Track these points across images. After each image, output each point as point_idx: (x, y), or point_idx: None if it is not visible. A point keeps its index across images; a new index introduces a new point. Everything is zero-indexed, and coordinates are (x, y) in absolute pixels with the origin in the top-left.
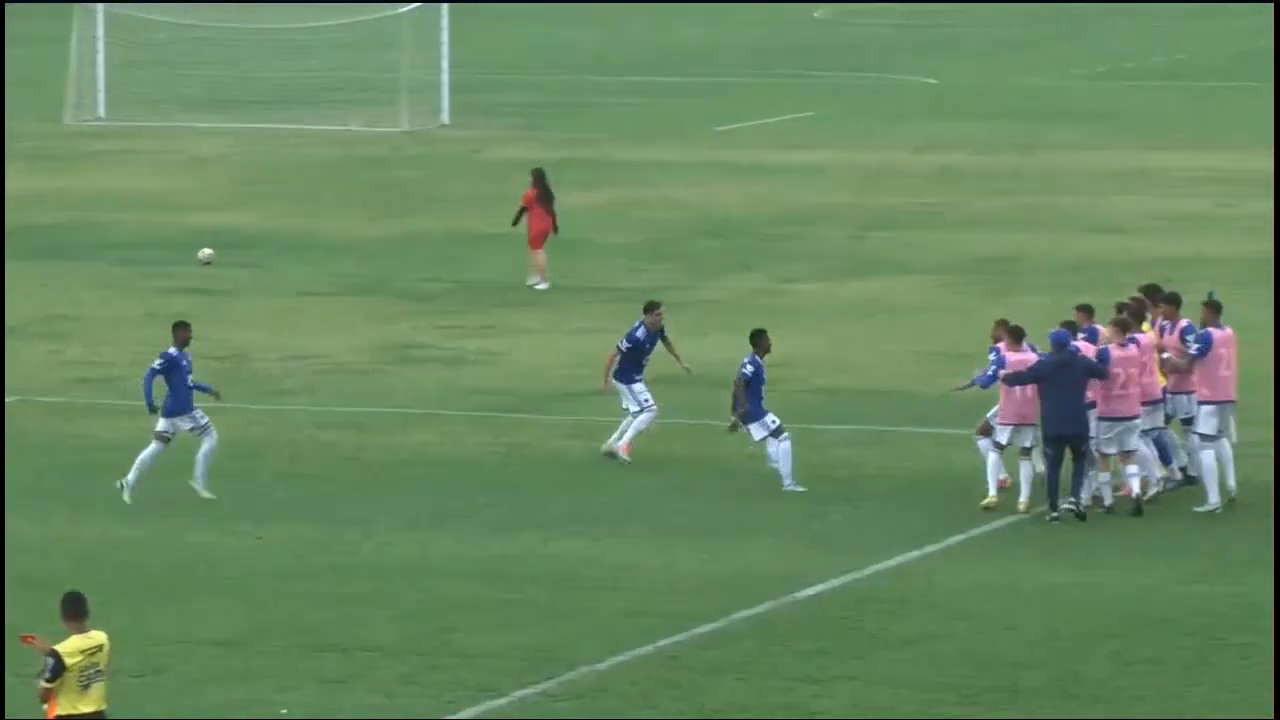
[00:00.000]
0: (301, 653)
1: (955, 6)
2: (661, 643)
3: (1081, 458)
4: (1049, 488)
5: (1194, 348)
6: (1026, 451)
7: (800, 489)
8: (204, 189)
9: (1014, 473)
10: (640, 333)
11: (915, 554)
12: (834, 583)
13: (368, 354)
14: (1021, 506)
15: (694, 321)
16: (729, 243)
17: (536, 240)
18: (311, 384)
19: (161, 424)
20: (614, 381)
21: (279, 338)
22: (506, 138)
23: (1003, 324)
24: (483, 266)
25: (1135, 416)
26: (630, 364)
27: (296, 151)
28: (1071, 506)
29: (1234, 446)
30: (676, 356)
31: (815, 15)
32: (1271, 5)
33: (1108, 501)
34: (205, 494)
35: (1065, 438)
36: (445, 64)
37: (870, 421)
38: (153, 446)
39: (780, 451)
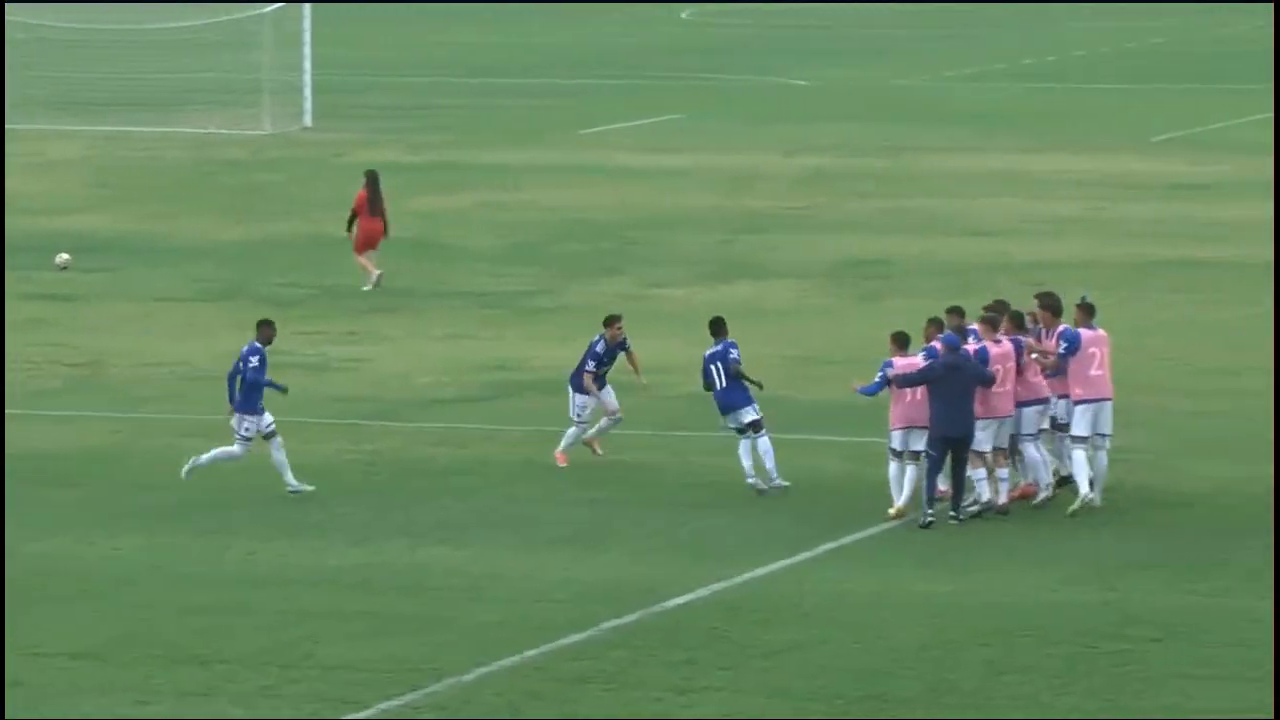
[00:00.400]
0: (160, 665)
1: (824, 7)
2: (528, 653)
3: (963, 464)
4: (927, 490)
5: (1062, 347)
6: (915, 455)
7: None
8: (60, 192)
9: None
10: (600, 347)
11: (786, 562)
12: (703, 592)
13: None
14: (892, 512)
15: (560, 326)
16: (595, 246)
17: (362, 244)
18: (170, 391)
19: (240, 420)
20: (591, 388)
21: (137, 344)
22: (370, 140)
23: (928, 327)
24: (345, 271)
25: (1010, 415)
26: (597, 377)
27: (155, 154)
28: (954, 516)
29: (1110, 441)
30: (637, 370)
31: (682, 16)
32: (1271, 5)
33: (985, 497)
34: (307, 486)
35: (952, 439)
36: (308, 65)
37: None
38: (236, 449)
39: (746, 449)
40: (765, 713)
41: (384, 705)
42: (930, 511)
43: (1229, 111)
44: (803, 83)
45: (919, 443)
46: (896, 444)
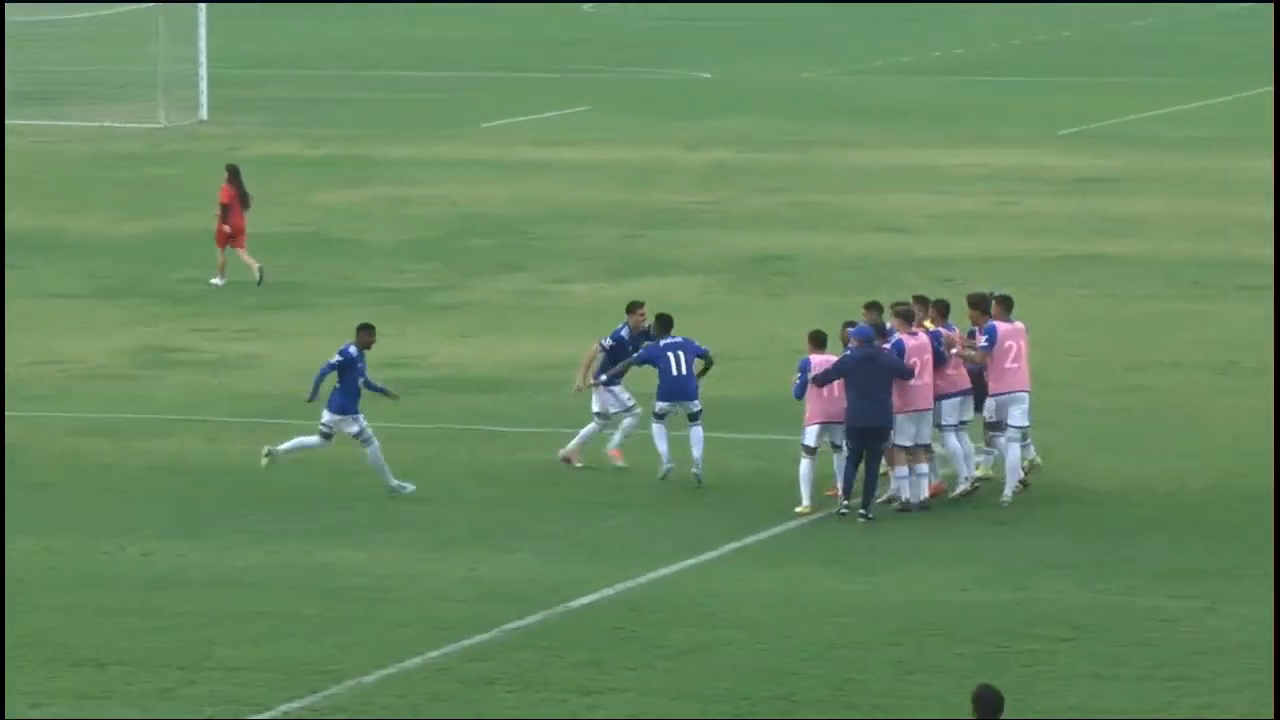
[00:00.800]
0: (56, 667)
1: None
2: (430, 654)
3: (877, 459)
4: (845, 483)
5: (982, 340)
6: (837, 448)
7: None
8: None
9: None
10: (624, 332)
11: (692, 561)
12: (608, 592)
13: (124, 358)
14: (799, 510)
15: (462, 323)
16: (498, 242)
17: (226, 238)
18: (65, 389)
19: (326, 418)
20: (600, 380)
21: (30, 341)
22: (268, 134)
23: (843, 330)
24: (244, 267)
25: (928, 408)
26: (610, 365)
27: (48, 148)
28: (864, 514)
29: (1025, 435)
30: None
31: (585, 9)
32: (1271, 5)
33: (905, 496)
34: (408, 487)
35: (868, 431)
36: (204, 58)
37: (644, 425)
38: (314, 439)
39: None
40: (671, 713)
41: (284, 707)
42: (847, 502)
43: (1136, 105)
44: (707, 76)
45: (837, 437)
46: (810, 440)
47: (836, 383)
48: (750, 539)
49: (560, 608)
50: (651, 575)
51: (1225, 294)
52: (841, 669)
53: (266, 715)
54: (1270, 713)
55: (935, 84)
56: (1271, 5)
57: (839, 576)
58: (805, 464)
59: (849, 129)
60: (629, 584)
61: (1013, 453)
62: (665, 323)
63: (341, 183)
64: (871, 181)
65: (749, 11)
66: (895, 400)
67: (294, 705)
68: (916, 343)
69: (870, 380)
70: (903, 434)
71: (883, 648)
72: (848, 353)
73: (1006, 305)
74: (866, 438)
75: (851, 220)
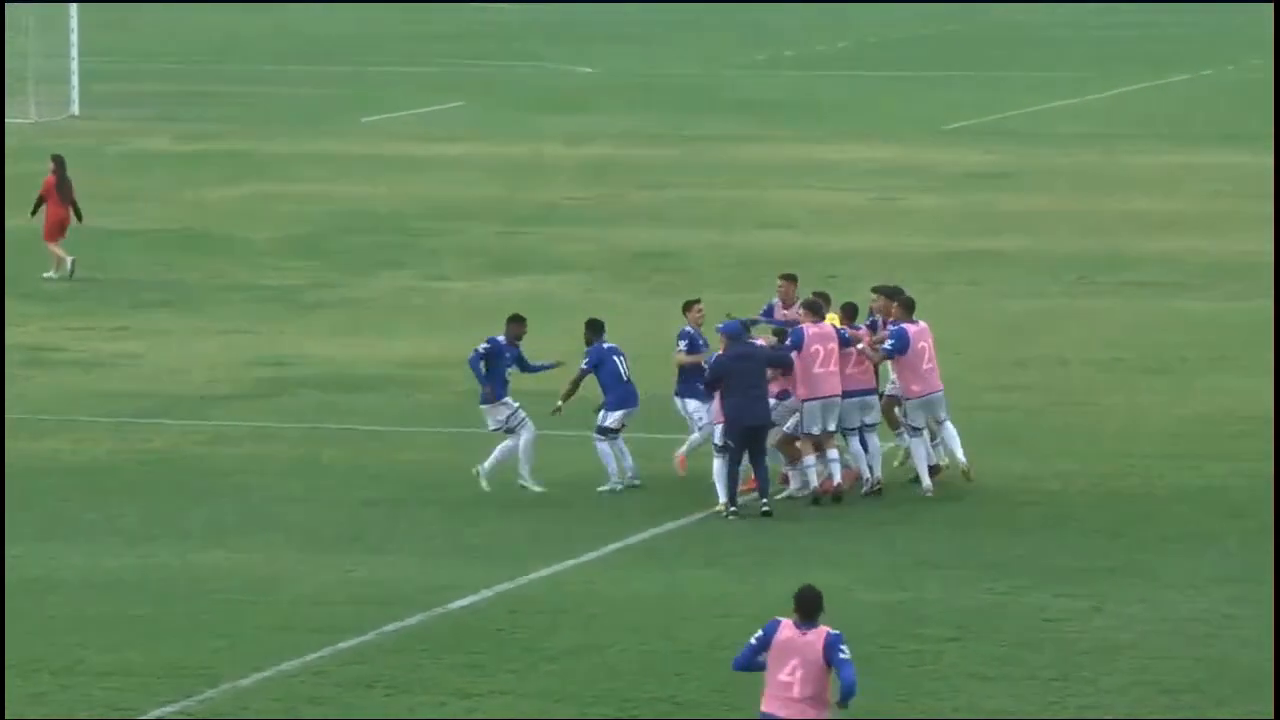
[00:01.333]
0: None
1: None
2: (307, 657)
3: (762, 454)
4: (729, 482)
5: (888, 344)
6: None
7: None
8: None
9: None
10: (691, 329)
11: (572, 562)
12: (487, 593)
13: None
14: (719, 508)
15: (342, 320)
16: (377, 239)
17: (52, 231)
18: None
19: (486, 416)
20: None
21: None
22: (141, 129)
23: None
24: (117, 265)
25: (838, 395)
26: (693, 371)
27: None
28: (766, 510)
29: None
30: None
31: (464, 2)
32: (1271, 5)
33: (814, 485)
34: (536, 488)
35: (749, 429)
36: (75, 52)
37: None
38: (507, 442)
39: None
40: (552, 715)
41: (158, 712)
42: (734, 506)
43: (1021, 100)
44: (587, 70)
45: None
46: (720, 439)
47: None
48: (632, 539)
49: (438, 610)
50: (531, 576)
51: (1111, 290)
52: (724, 670)
53: None
54: (1151, 713)
55: (819, 79)
56: (1271, 5)
57: (721, 577)
58: (718, 463)
59: (732, 124)
60: (508, 585)
61: (949, 428)
62: (597, 326)
63: (217, 179)
64: (756, 177)
65: (629, 5)
66: (801, 389)
67: (168, 709)
68: (819, 330)
69: (747, 377)
70: (811, 422)
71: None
72: (720, 352)
73: (909, 308)
74: (749, 436)
75: (736, 216)
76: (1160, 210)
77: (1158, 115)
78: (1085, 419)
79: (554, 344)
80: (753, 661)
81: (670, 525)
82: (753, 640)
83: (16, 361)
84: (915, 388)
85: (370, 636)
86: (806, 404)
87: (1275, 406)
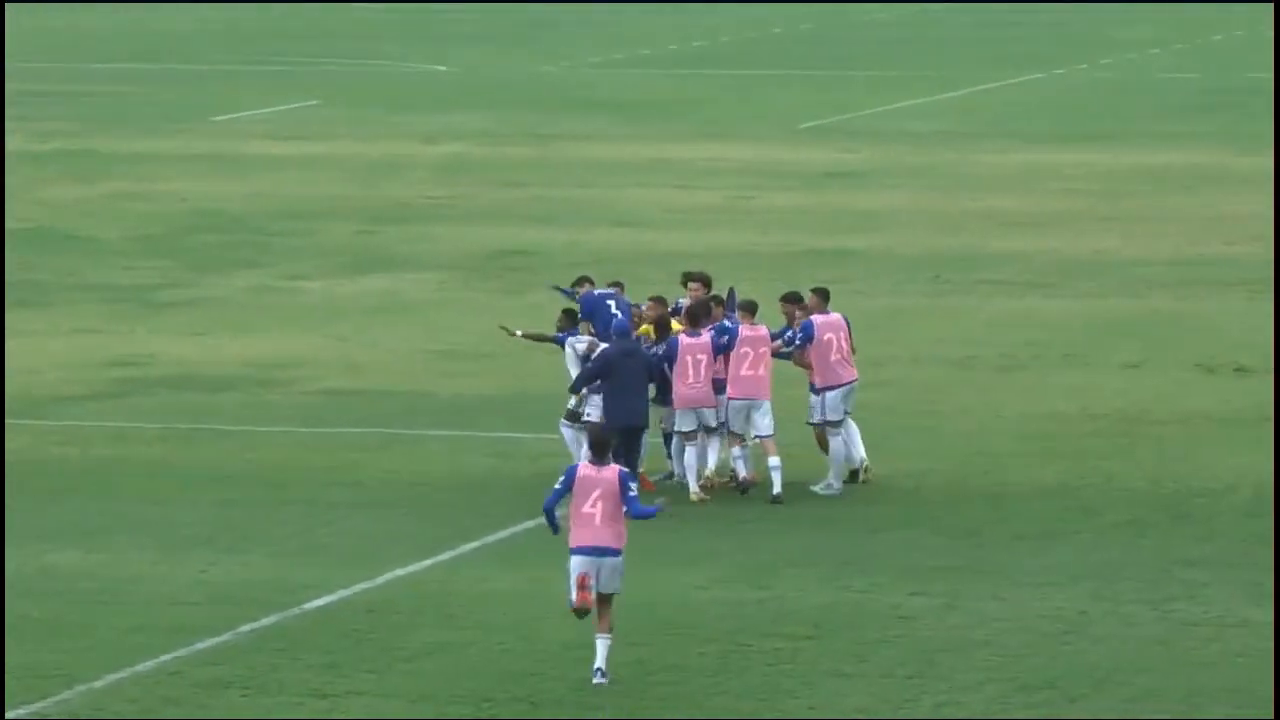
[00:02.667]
0: None
1: None
2: (163, 658)
3: (638, 451)
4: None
5: (797, 337)
6: (710, 431)
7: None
8: None
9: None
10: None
11: (429, 562)
12: (344, 593)
13: None
14: (693, 497)
15: (195, 320)
16: (230, 238)
17: None
18: None
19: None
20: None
21: None
22: None
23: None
24: None
25: (763, 398)
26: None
27: None
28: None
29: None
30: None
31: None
32: (1271, 5)
33: (743, 474)
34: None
35: (629, 429)
36: None
37: (380, 424)
38: (687, 449)
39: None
40: (410, 715)
41: (14, 714)
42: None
43: (875, 99)
44: (442, 68)
45: (710, 420)
46: (685, 425)
47: (702, 365)
48: (489, 538)
49: (295, 610)
50: (388, 576)
51: (965, 289)
52: (581, 669)
53: None
54: (1007, 710)
55: (673, 78)
56: (1271, 5)
57: None
58: (689, 451)
59: (587, 123)
60: (365, 585)
61: (835, 443)
62: (573, 315)
63: (69, 178)
64: (610, 176)
65: (483, 5)
66: (730, 389)
67: (23, 711)
68: (754, 333)
69: (629, 378)
70: (736, 421)
71: (623, 647)
72: (606, 348)
73: (824, 297)
74: (627, 436)
75: (590, 215)
76: (1013, 209)
77: (1010, 114)
78: (938, 419)
79: (405, 343)
80: (558, 502)
81: (527, 524)
82: (557, 485)
83: None
84: (821, 379)
85: (226, 637)
86: (733, 402)
87: (1275, 405)
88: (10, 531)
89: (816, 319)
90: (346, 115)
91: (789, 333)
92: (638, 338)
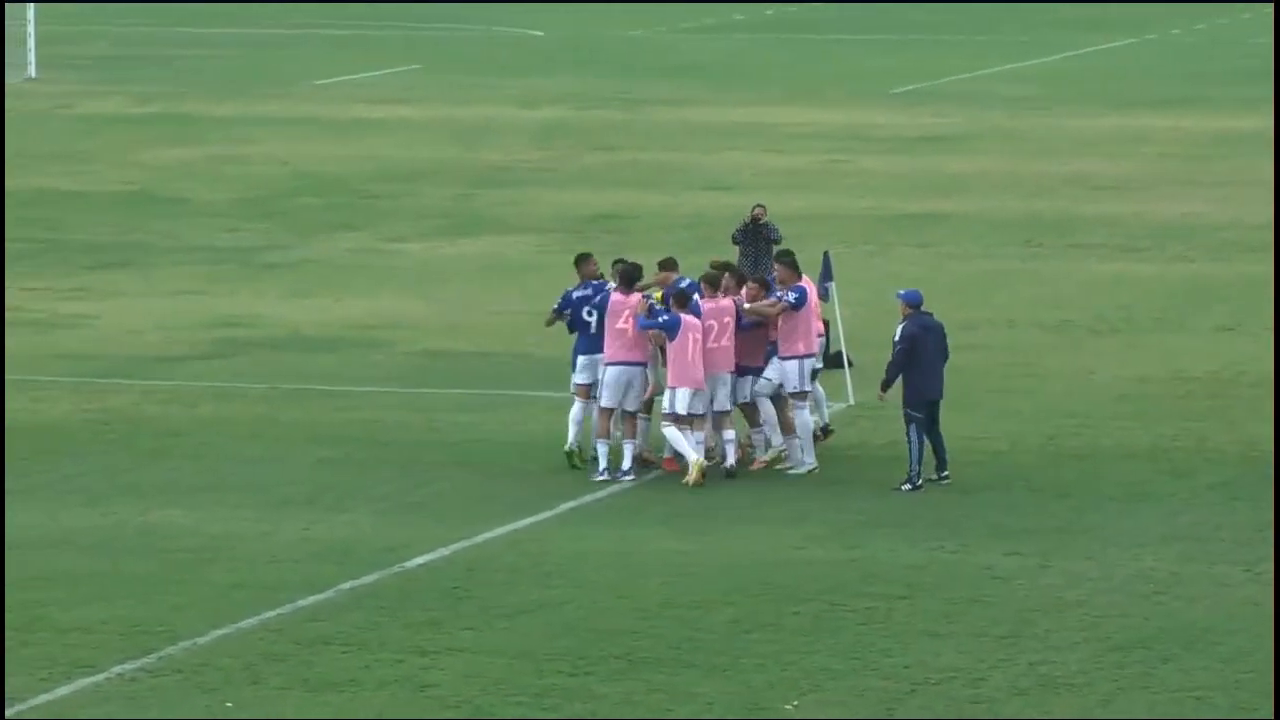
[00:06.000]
0: None
1: None
2: (265, 615)
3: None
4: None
5: (791, 297)
6: (699, 416)
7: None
8: None
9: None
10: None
11: (528, 521)
12: (444, 551)
13: None
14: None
15: (296, 282)
16: (331, 201)
17: None
18: None
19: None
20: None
21: None
22: (97, 91)
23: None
24: (73, 226)
25: (731, 370)
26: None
27: None
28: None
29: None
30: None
31: None
32: (1271, 5)
33: (730, 460)
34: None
35: (934, 404)
36: (32, 14)
37: (480, 385)
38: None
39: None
40: (509, 674)
41: (118, 669)
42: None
43: (968, 63)
44: (539, 34)
45: (699, 405)
46: (681, 408)
47: (691, 347)
48: (586, 499)
49: (395, 568)
50: (487, 535)
51: (1057, 253)
52: (678, 628)
53: (100, 676)
54: (1101, 669)
55: (766, 41)
56: (1271, 5)
57: (674, 536)
58: (672, 430)
59: (679, 87)
60: (464, 544)
61: (803, 415)
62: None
63: (170, 140)
64: (702, 139)
65: None
66: (800, 345)
67: (128, 666)
68: (715, 305)
69: (931, 352)
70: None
71: (719, 607)
72: (906, 324)
73: (794, 266)
74: (931, 409)
75: (684, 179)
76: (1106, 173)
77: (1101, 78)
78: (1032, 381)
79: (504, 305)
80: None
81: (624, 485)
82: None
83: None
84: (801, 346)
85: (327, 594)
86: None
87: (1276, 402)
88: (112, 489)
89: (805, 284)
90: (445, 80)
91: (779, 293)
92: (645, 297)
